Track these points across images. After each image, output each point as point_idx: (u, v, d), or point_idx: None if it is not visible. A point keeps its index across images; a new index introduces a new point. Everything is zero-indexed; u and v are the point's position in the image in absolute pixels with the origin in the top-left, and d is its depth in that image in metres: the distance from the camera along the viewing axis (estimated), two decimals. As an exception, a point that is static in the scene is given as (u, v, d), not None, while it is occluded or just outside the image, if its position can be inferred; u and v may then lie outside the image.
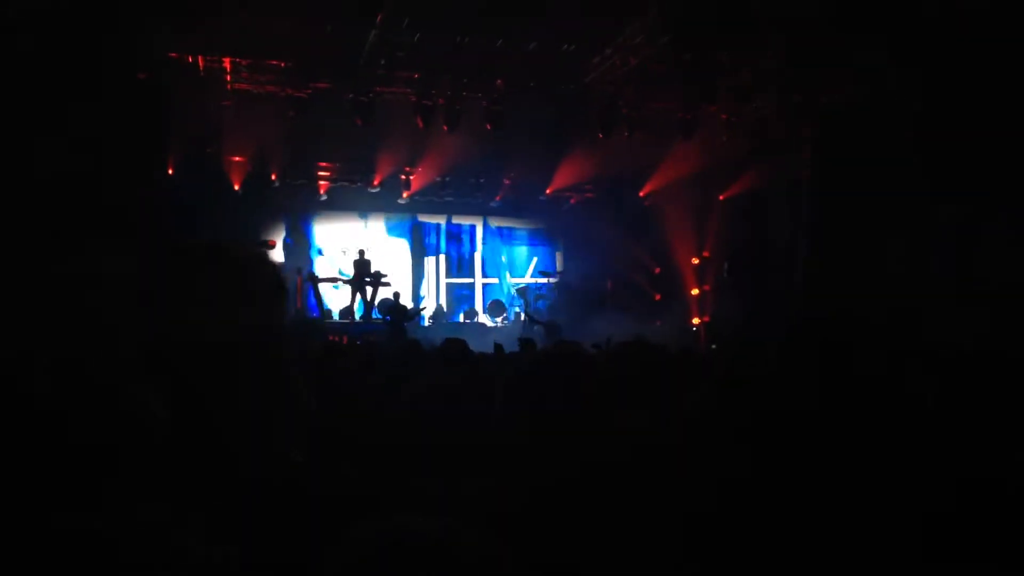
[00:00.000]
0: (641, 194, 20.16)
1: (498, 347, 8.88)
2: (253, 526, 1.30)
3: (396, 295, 18.09)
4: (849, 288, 13.28)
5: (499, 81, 14.69)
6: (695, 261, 19.39)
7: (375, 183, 19.50)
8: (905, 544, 1.78)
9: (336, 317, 18.85)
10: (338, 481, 1.53)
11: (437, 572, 1.05)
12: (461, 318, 20.72)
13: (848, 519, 1.78)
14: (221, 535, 1.21)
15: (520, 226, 22.33)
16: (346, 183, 19.63)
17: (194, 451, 1.39)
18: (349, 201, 20.18)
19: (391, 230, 21.30)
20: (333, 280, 19.42)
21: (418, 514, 1.11)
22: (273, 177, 18.08)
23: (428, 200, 20.46)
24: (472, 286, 22.14)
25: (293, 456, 1.50)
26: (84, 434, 1.48)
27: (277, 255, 18.70)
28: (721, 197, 18.50)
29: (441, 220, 21.65)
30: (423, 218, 21.42)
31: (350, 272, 19.10)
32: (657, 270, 20.32)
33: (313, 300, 18.11)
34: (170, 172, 14.98)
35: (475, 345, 6.95)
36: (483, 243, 22.23)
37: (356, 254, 19.03)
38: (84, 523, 1.12)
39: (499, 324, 19.71)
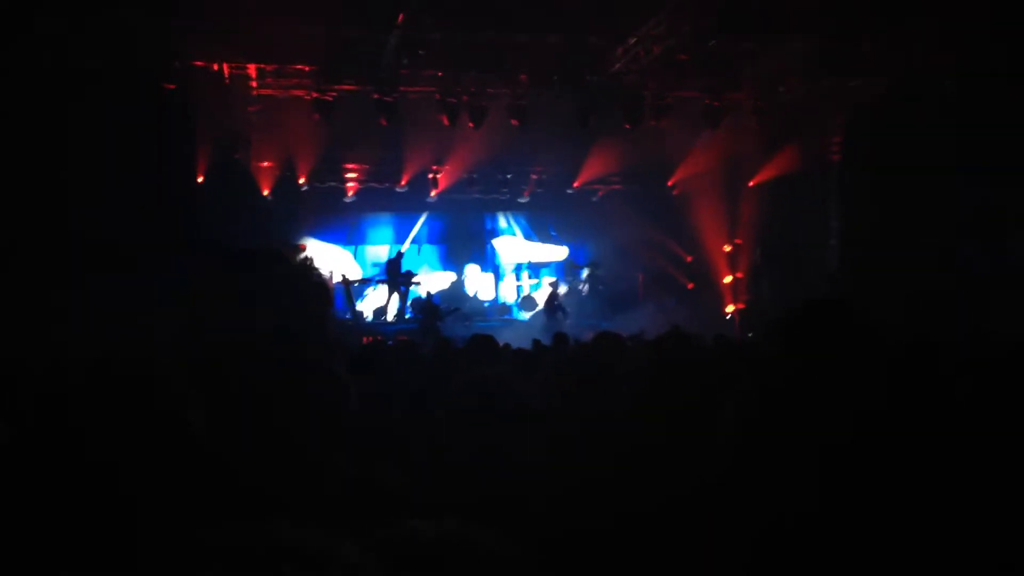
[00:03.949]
0: (670, 183, 20.05)
1: (536, 342, 8.88)
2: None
3: (429, 295, 18.11)
4: (882, 272, 13.15)
5: (523, 76, 14.64)
6: (727, 248, 19.27)
7: (403, 183, 19.53)
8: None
9: (369, 318, 18.93)
10: (374, 483, 1.52)
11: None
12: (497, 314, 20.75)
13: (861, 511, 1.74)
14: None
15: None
16: (374, 184, 19.67)
17: (235, 454, 1.39)
18: (377, 202, 20.24)
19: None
20: (364, 282, 19.50)
21: (431, 518, 1.10)
22: (301, 180, 18.16)
23: (456, 198, 20.45)
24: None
25: (335, 457, 1.50)
26: (125, 434, 1.49)
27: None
28: (751, 183, 18.37)
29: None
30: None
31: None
32: (689, 259, 20.20)
33: (344, 302, 18.20)
34: (200, 179, 15.08)
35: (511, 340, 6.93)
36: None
37: (393, 254, 19.13)
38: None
39: (532, 319, 19.63)
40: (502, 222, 22.22)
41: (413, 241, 21.03)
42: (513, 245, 22.19)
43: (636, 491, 1.94)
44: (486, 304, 21.24)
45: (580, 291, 20.69)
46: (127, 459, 1.45)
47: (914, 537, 1.67)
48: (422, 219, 21.14)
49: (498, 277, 22.03)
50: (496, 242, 22.18)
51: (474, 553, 1.05)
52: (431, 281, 20.27)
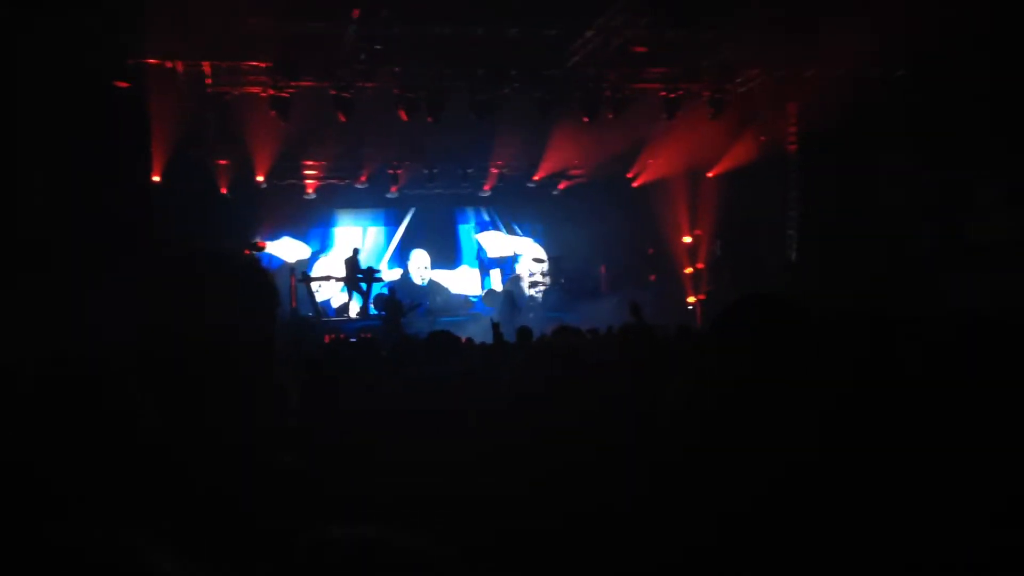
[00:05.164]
0: (629, 175, 20.15)
1: (496, 325, 8.88)
2: (224, 531, 1.28)
3: (392, 290, 18.04)
4: (841, 260, 13.31)
5: (481, 70, 14.60)
6: (687, 240, 19.41)
7: (362, 179, 19.46)
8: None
9: (331, 315, 18.84)
10: (314, 482, 1.51)
11: None
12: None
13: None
14: (193, 542, 1.19)
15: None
16: (334, 180, 19.58)
17: (180, 454, 1.37)
18: (337, 199, 20.17)
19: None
20: (326, 279, 19.40)
21: (352, 522, 1.10)
22: (260, 178, 17.98)
23: (417, 193, 20.44)
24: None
25: (283, 458, 1.48)
26: (74, 435, 1.46)
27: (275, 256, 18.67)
28: (709, 175, 18.51)
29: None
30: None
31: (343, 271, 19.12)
32: (651, 251, 20.32)
33: (306, 300, 18.11)
34: (157, 179, 14.88)
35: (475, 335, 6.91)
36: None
37: (350, 252, 19.03)
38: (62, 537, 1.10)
39: (495, 316, 19.64)
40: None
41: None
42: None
43: (590, 488, 1.94)
44: (454, 295, 21.29)
45: (542, 284, 20.76)
46: (74, 459, 1.43)
47: (861, 519, 1.69)
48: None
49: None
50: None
51: (392, 557, 1.04)
52: (388, 276, 20.32)
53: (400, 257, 21.37)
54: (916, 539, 1.69)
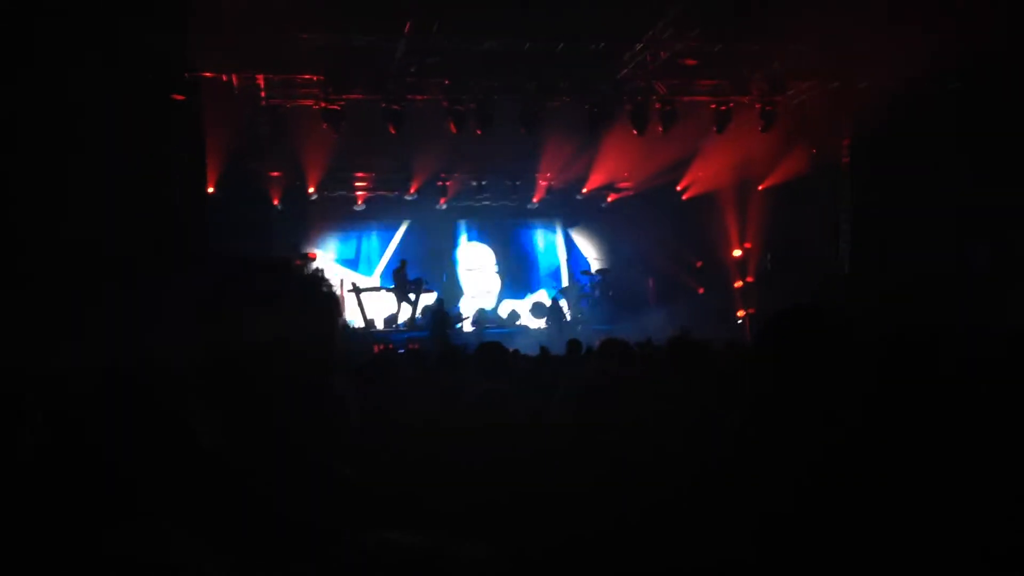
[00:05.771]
0: (679, 188, 20.04)
1: (543, 349, 8.88)
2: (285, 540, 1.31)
3: (440, 301, 18.10)
4: (892, 274, 13.12)
5: (530, 82, 14.66)
6: (737, 253, 19.24)
7: (412, 191, 19.59)
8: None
9: (380, 326, 18.97)
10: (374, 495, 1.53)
11: None
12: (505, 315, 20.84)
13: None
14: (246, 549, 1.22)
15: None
16: (384, 192, 19.75)
17: (236, 462, 1.40)
18: (387, 210, 20.33)
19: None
20: (375, 289, 19.54)
21: (409, 529, 1.10)
22: (311, 190, 18.21)
23: (465, 205, 20.53)
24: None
25: (342, 470, 1.50)
26: (131, 445, 1.50)
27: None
28: (760, 187, 18.34)
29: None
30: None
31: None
32: (699, 264, 20.18)
33: (357, 310, 18.27)
34: (211, 190, 15.12)
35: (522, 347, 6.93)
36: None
37: (397, 263, 19.16)
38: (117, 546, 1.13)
39: (544, 326, 19.60)
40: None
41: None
42: (545, 251, 22.38)
43: (637, 497, 1.94)
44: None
45: (591, 297, 20.69)
46: (137, 469, 1.46)
47: (895, 534, 1.68)
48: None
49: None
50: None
51: (444, 564, 1.05)
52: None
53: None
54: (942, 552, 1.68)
